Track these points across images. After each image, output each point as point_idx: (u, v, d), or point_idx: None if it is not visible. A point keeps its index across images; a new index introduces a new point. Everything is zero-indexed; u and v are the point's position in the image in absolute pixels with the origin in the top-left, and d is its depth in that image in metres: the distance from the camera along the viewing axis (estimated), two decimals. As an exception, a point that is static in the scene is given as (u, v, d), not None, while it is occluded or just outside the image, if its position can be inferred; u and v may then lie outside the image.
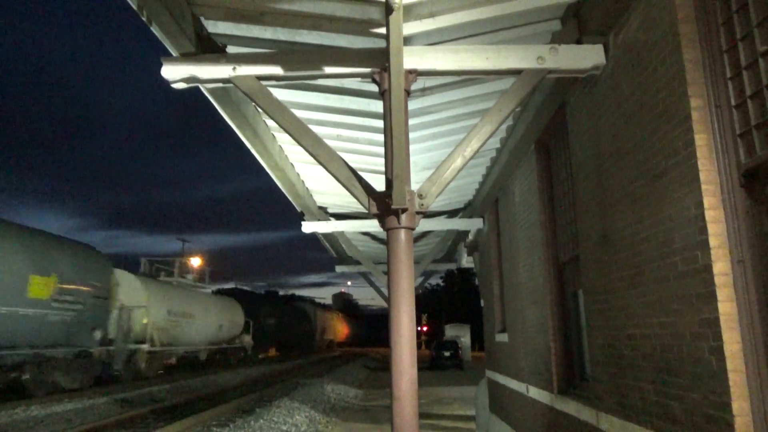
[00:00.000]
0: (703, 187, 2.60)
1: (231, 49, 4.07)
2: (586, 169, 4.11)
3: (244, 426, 9.55)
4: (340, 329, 66.65)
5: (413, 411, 3.26)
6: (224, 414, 11.60)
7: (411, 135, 5.55)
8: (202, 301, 26.31)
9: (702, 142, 2.64)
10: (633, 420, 3.37)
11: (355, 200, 3.68)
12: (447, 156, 3.66)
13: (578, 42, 3.81)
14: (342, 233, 10.04)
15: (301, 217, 8.75)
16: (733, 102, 2.59)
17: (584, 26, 3.76)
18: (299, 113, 5.11)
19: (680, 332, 2.81)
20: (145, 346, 19.28)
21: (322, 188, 7.80)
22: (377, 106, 4.99)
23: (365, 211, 3.60)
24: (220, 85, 3.95)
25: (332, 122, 5.52)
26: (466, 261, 11.08)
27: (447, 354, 29.89)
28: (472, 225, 9.09)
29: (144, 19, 3.38)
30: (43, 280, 13.82)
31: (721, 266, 2.51)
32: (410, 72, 3.70)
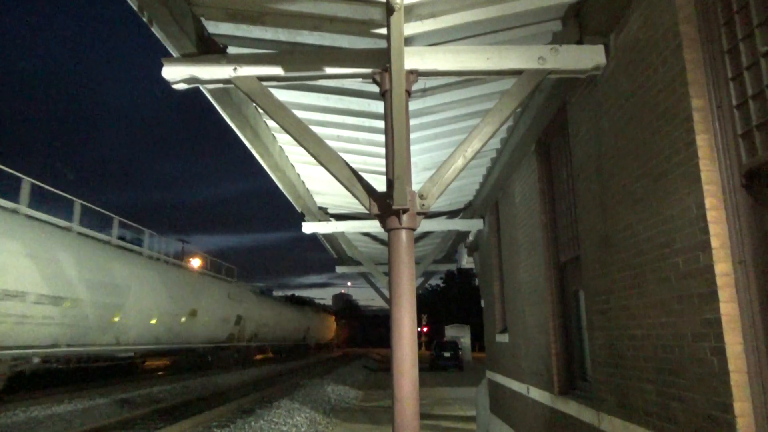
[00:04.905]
0: (705, 187, 2.59)
1: (232, 50, 4.06)
2: (587, 169, 4.11)
3: (244, 426, 9.55)
4: (335, 330, 57.74)
5: (414, 412, 3.26)
6: (225, 415, 11.59)
7: (412, 135, 5.55)
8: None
9: (703, 142, 2.64)
10: (634, 421, 3.37)
11: (355, 201, 3.68)
12: (448, 156, 3.65)
13: (579, 42, 3.81)
14: (342, 234, 10.04)
15: (301, 217, 8.74)
16: (734, 102, 2.59)
17: (585, 26, 3.76)
18: (300, 114, 5.10)
19: (682, 333, 2.81)
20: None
21: (323, 189, 7.79)
22: (378, 106, 4.98)
23: (366, 211, 3.60)
24: (221, 85, 3.95)
25: (333, 123, 5.52)
26: (467, 261, 11.06)
27: (447, 355, 29.86)
28: (473, 225, 9.09)
29: (145, 19, 3.38)
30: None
31: (722, 267, 2.51)
32: (411, 72, 3.69)
